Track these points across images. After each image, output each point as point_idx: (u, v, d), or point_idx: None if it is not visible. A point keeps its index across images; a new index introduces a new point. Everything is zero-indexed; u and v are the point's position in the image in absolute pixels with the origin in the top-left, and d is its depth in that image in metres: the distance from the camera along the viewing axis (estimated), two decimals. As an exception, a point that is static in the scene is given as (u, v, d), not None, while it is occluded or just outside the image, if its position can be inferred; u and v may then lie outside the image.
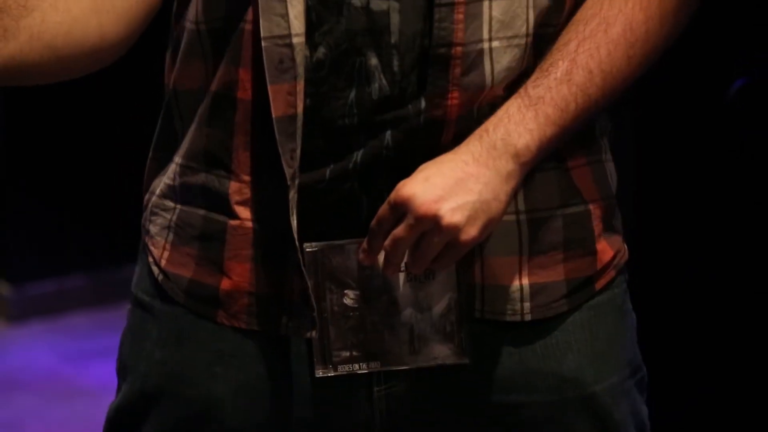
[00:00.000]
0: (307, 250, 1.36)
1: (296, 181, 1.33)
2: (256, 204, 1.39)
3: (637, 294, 1.52)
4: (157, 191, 1.46)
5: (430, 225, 1.29)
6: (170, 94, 1.45)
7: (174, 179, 1.44)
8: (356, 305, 1.39)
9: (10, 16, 1.30)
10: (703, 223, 2.28)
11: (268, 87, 1.32)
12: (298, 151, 1.33)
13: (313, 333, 1.37)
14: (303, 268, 1.35)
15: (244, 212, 1.39)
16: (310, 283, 1.35)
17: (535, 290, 1.41)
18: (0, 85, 1.34)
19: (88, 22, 1.35)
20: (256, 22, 1.33)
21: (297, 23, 1.32)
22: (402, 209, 1.30)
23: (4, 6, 1.30)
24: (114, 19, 1.37)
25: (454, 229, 1.29)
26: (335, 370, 1.39)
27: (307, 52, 1.33)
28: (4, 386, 3.43)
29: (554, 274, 1.42)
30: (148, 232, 1.47)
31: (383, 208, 1.32)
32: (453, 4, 1.32)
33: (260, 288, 1.40)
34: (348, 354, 1.39)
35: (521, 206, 1.39)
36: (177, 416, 1.44)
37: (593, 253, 1.44)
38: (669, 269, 2.28)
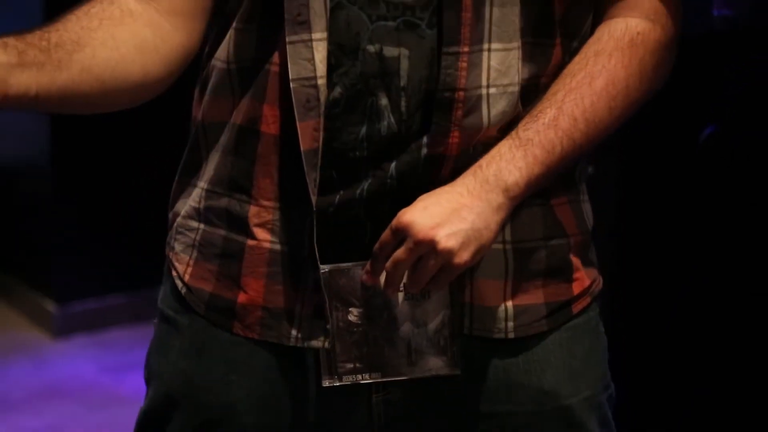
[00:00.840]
0: (321, 272, 1.36)
1: (315, 208, 1.33)
2: (273, 226, 1.38)
3: (613, 318, 1.54)
4: (182, 212, 1.46)
5: (427, 249, 1.29)
6: (198, 126, 1.45)
7: (199, 202, 1.43)
8: (359, 321, 1.38)
9: (64, 50, 1.29)
10: (676, 256, 2.27)
11: (297, 124, 1.32)
12: (318, 180, 1.33)
13: (326, 343, 1.36)
14: (323, 288, 1.35)
15: (262, 234, 1.39)
16: (327, 300, 1.35)
17: (519, 311, 1.41)
18: (52, 111, 1.35)
19: (133, 60, 1.35)
20: (282, 65, 1.34)
21: (321, 66, 1.32)
22: (402, 234, 1.30)
23: (60, 41, 1.29)
24: (157, 59, 1.37)
25: (449, 254, 1.29)
26: (341, 380, 1.38)
27: (326, 92, 1.33)
28: (49, 394, 3.42)
29: (535, 297, 1.42)
30: (173, 248, 1.47)
31: (385, 233, 1.32)
32: (458, 53, 1.32)
33: (273, 302, 1.39)
34: (352, 366, 1.38)
35: (508, 237, 1.39)
36: (197, 420, 1.44)
37: (571, 280, 1.44)
38: (646, 298, 2.27)
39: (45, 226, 3.80)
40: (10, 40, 1.25)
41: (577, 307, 1.45)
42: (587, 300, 1.46)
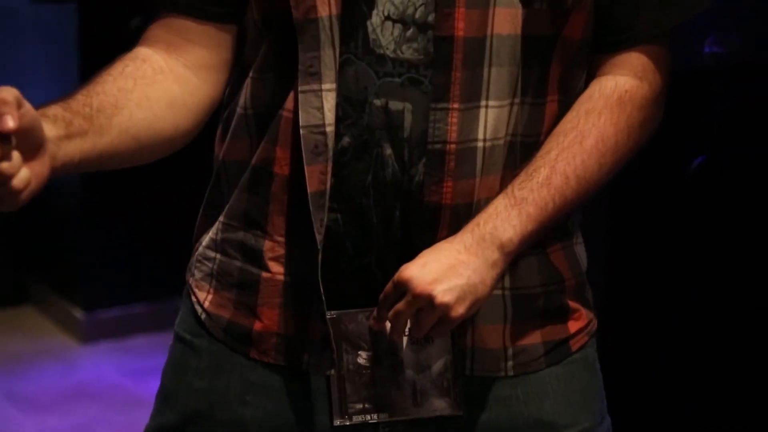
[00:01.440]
0: (328, 317, 1.35)
1: (321, 246, 1.33)
2: (286, 261, 1.38)
3: (605, 353, 1.51)
4: (204, 243, 1.45)
5: (425, 302, 1.29)
6: (220, 163, 1.45)
7: (216, 234, 1.43)
8: (368, 364, 1.37)
9: (105, 114, 1.28)
10: (670, 284, 2.26)
11: (305, 167, 1.32)
12: (325, 221, 1.33)
13: (332, 371, 1.36)
14: (330, 330, 1.35)
15: (276, 267, 1.38)
16: (333, 343, 1.35)
17: (517, 351, 1.40)
18: (87, 171, 1.32)
19: (165, 117, 1.35)
20: (294, 112, 1.33)
21: (330, 115, 1.32)
22: (403, 288, 1.30)
23: (100, 106, 1.28)
24: (185, 113, 1.38)
25: (445, 307, 1.29)
26: (350, 420, 1.37)
27: (334, 139, 1.33)
28: (76, 396, 3.43)
29: (533, 338, 1.40)
30: (193, 275, 1.46)
31: (388, 286, 1.32)
32: (447, 109, 1.31)
33: (286, 330, 1.38)
34: (361, 406, 1.37)
35: (507, 284, 1.38)
36: None
37: (567, 320, 1.43)
38: (640, 332, 2.25)
39: (74, 240, 3.82)
40: (58, 111, 1.23)
41: (575, 345, 1.43)
42: (584, 338, 1.45)
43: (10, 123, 1.09)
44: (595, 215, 1.69)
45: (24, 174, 1.13)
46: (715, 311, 2.24)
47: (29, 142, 1.14)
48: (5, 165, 1.10)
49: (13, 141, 1.11)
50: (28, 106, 1.13)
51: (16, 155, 1.12)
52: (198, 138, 1.42)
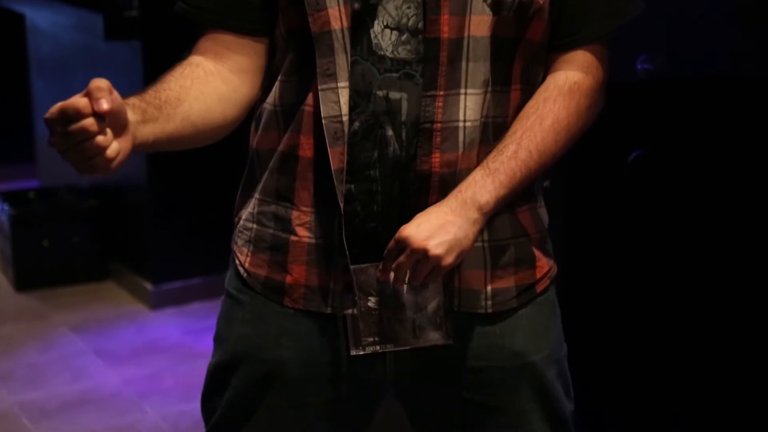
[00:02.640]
0: (351, 268, 1.35)
1: (342, 211, 1.33)
2: (310, 226, 1.37)
3: (565, 295, 1.51)
4: (243, 216, 1.45)
5: (421, 255, 1.29)
6: (253, 151, 1.44)
7: (253, 208, 1.43)
8: (376, 307, 1.38)
9: (171, 105, 1.29)
10: (612, 242, 2.25)
11: (329, 149, 1.32)
12: (344, 191, 1.33)
13: (354, 311, 1.36)
14: (351, 272, 1.34)
15: (302, 231, 1.38)
16: (354, 280, 1.35)
17: (495, 293, 1.40)
18: (159, 151, 1.33)
19: (216, 108, 1.35)
20: (315, 106, 1.33)
21: (345, 107, 1.31)
22: (402, 244, 1.30)
23: (167, 99, 1.29)
24: (231, 106, 1.37)
25: (437, 258, 1.29)
26: (364, 350, 1.38)
27: (348, 125, 1.32)
28: (148, 351, 3.41)
29: (507, 282, 1.40)
30: (236, 243, 1.46)
31: (391, 243, 1.32)
32: (435, 96, 1.31)
33: (312, 282, 1.38)
34: (372, 339, 1.38)
35: (485, 237, 1.38)
36: (256, 371, 1.42)
37: (534, 267, 1.43)
38: (591, 279, 2.24)
39: (143, 228, 3.78)
40: (136, 102, 1.25)
41: (539, 288, 1.43)
42: (547, 282, 1.45)
43: (105, 105, 1.11)
44: (556, 193, 1.69)
45: (115, 146, 1.15)
46: (646, 263, 2.23)
47: (117, 123, 1.16)
48: (101, 138, 1.13)
49: (107, 120, 1.13)
50: (116, 93, 1.14)
51: (108, 131, 1.14)
52: (234, 143, 1.42)
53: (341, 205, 1.32)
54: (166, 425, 2.92)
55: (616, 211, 2.22)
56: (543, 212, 1.46)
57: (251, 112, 1.44)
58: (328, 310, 1.37)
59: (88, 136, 1.12)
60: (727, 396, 2.24)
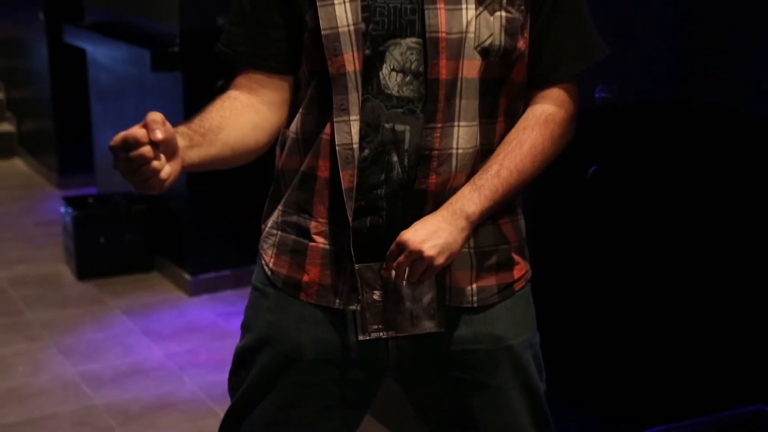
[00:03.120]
0: (356, 268, 1.35)
1: (351, 225, 1.32)
2: (325, 234, 1.37)
3: (540, 294, 1.51)
4: (268, 224, 1.44)
5: (417, 256, 1.29)
6: (278, 171, 1.43)
7: (278, 218, 1.42)
8: (380, 300, 1.37)
9: (213, 133, 1.29)
10: (574, 248, 2.24)
11: (340, 172, 1.31)
12: (354, 207, 1.32)
13: (358, 308, 1.35)
14: (357, 277, 1.34)
15: (318, 239, 1.37)
16: (360, 284, 1.35)
17: (480, 290, 1.39)
18: (201, 170, 1.32)
19: (250, 136, 1.35)
20: (331, 135, 1.32)
21: (356, 137, 1.31)
22: (402, 247, 1.30)
23: (210, 127, 1.29)
24: (262, 134, 1.37)
25: (431, 259, 1.29)
26: (369, 336, 1.38)
27: (358, 152, 1.32)
28: (187, 330, 3.41)
29: (490, 281, 1.40)
30: (262, 246, 1.45)
31: (392, 247, 1.31)
32: (434, 128, 1.30)
33: (325, 281, 1.38)
34: (376, 326, 1.37)
35: (472, 244, 1.37)
36: (278, 353, 1.42)
37: (512, 270, 1.42)
38: (558, 279, 2.24)
39: (184, 228, 3.77)
40: (184, 130, 1.25)
41: (517, 286, 1.43)
42: (523, 283, 1.44)
43: (159, 135, 1.13)
44: (526, 202, 1.69)
45: (167, 169, 1.16)
46: (605, 263, 2.23)
47: (169, 149, 1.17)
48: (156, 162, 1.14)
49: (161, 147, 1.14)
50: (168, 124, 1.15)
51: (162, 156, 1.15)
52: (258, 160, 1.40)
53: (350, 219, 1.31)
54: (201, 393, 2.93)
55: (577, 218, 2.21)
56: (522, 223, 1.45)
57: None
58: (337, 305, 1.37)
59: (145, 161, 1.13)
60: (676, 379, 2.24)
